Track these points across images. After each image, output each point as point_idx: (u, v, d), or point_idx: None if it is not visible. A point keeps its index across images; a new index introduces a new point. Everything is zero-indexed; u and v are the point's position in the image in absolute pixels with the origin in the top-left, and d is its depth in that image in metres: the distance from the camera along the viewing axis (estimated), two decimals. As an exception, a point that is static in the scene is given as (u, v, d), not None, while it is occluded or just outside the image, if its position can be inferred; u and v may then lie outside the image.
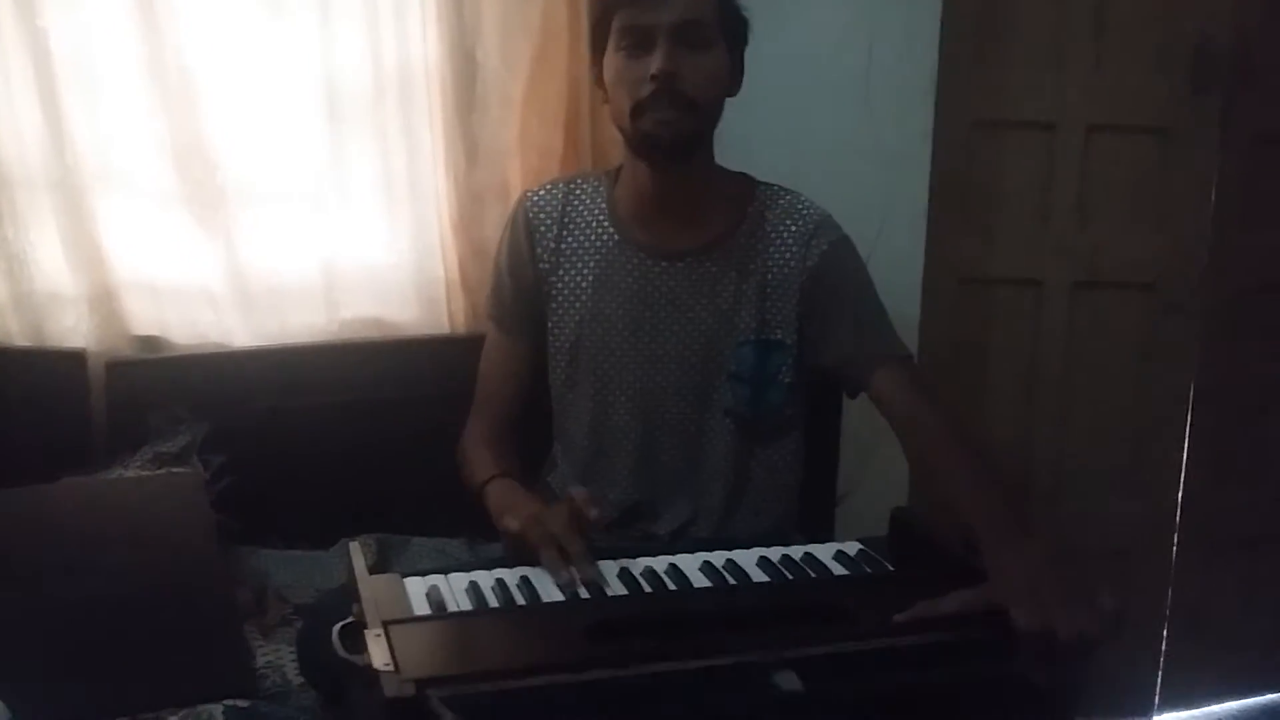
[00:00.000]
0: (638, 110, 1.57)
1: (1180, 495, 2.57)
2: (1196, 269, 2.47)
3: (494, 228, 2.12)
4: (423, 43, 2.03)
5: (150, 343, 2.05)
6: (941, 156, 2.32)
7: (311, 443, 2.00)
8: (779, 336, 1.68)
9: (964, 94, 2.35)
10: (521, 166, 2.10)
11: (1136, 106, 2.42)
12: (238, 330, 2.05)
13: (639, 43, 1.56)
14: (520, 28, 2.04)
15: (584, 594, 1.31)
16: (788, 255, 1.67)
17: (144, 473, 1.84)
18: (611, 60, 1.60)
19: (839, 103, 2.23)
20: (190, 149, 1.96)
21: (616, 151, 2.09)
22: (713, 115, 1.63)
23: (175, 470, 1.85)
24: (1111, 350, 2.52)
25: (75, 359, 1.95)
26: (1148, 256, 2.48)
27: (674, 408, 1.70)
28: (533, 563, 1.39)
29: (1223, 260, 2.47)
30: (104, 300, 1.99)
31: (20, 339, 1.96)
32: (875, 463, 2.28)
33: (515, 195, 2.10)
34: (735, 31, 1.63)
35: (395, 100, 2.05)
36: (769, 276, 1.67)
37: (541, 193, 1.77)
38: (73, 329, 1.98)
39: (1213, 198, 2.44)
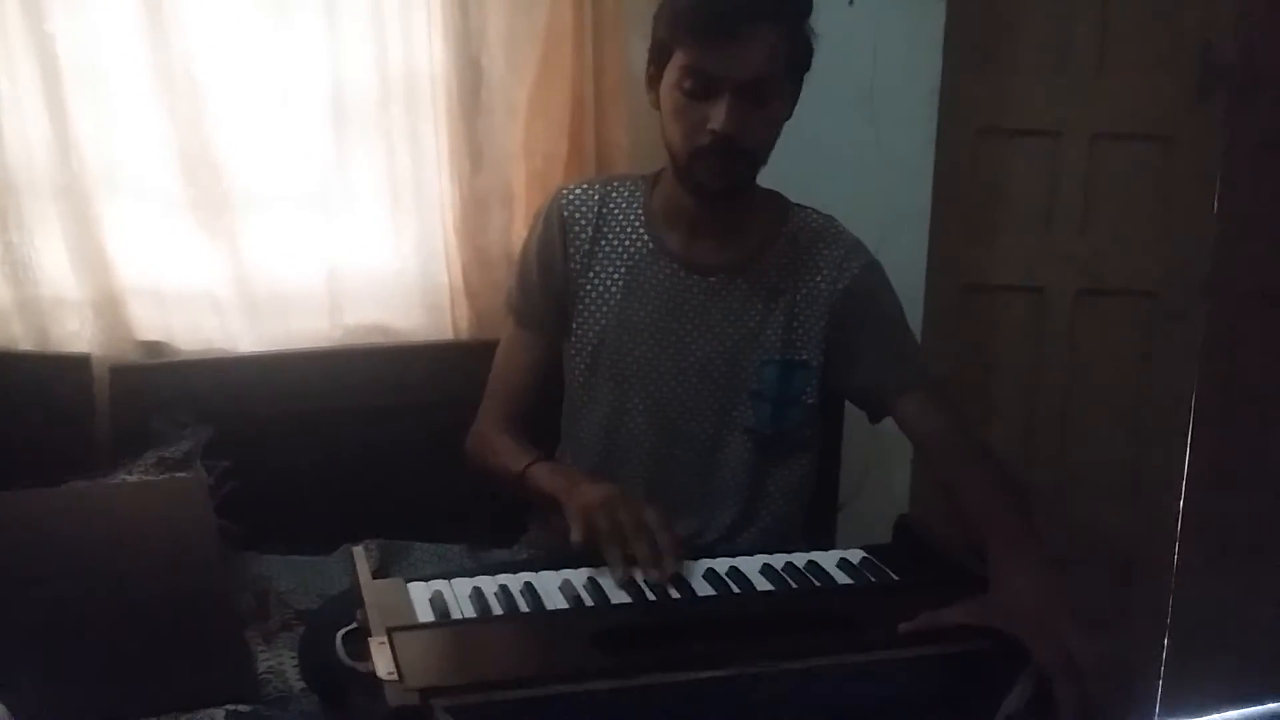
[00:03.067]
0: (694, 155, 1.54)
1: (1182, 503, 2.57)
2: (1199, 277, 2.47)
3: (498, 233, 2.13)
4: (428, 49, 2.03)
5: (154, 348, 2.05)
6: (945, 163, 2.33)
7: (314, 448, 2.01)
8: (804, 357, 1.67)
9: (968, 101, 2.35)
10: (526, 172, 2.10)
11: (1140, 114, 2.42)
12: (242, 336, 2.06)
13: (702, 89, 1.50)
14: (525, 34, 2.04)
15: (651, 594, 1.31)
16: (819, 278, 1.66)
17: (147, 477, 1.84)
18: (670, 92, 1.54)
19: (843, 110, 2.23)
20: (195, 154, 1.97)
21: (621, 157, 2.10)
22: (767, 154, 1.61)
23: (178, 475, 1.86)
24: (1114, 358, 2.53)
25: (79, 364, 1.95)
26: (1151, 264, 2.48)
27: (692, 421, 1.68)
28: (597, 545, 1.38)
29: (1226, 268, 2.47)
30: (108, 305, 1.99)
31: (25, 343, 1.96)
32: (876, 470, 2.28)
33: (520, 200, 2.11)
34: (802, 64, 1.58)
35: (400, 106, 2.05)
36: (798, 297, 1.66)
37: (578, 191, 1.73)
38: (77, 334, 1.98)
39: (1216, 205, 2.44)
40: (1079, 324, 2.50)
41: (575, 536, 1.40)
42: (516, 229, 2.13)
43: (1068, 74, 2.40)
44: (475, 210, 2.11)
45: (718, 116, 1.49)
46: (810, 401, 1.68)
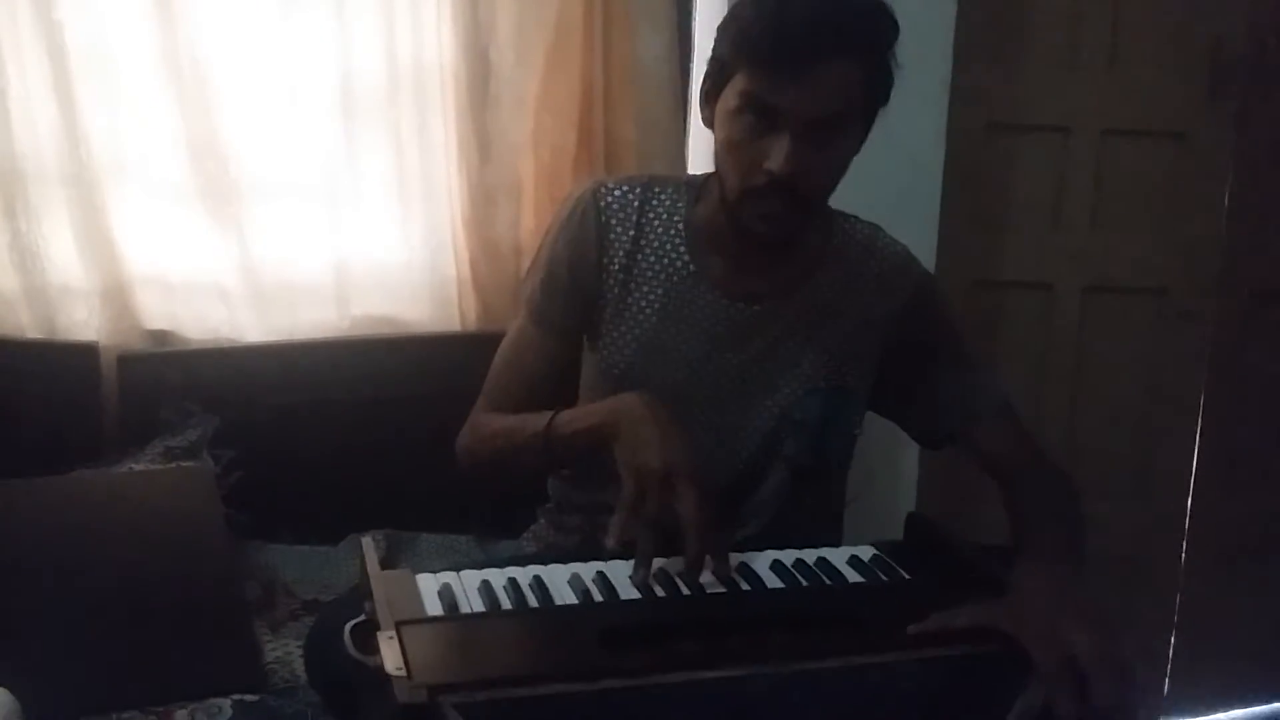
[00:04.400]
0: (746, 194, 1.39)
1: (1189, 502, 2.57)
2: (1209, 274, 2.46)
3: (506, 225, 2.13)
4: (437, 40, 2.03)
5: (162, 337, 2.06)
6: (955, 159, 2.31)
7: (321, 439, 2.01)
8: (851, 385, 1.55)
9: (978, 96, 2.34)
10: (534, 164, 2.10)
11: (1151, 110, 2.41)
12: (249, 325, 2.06)
13: (763, 122, 1.34)
14: (534, 25, 2.04)
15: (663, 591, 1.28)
16: (870, 299, 1.55)
17: (154, 466, 1.85)
18: (727, 119, 1.39)
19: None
20: (204, 144, 1.97)
21: (629, 151, 2.10)
22: (828, 196, 1.48)
23: (185, 464, 1.86)
24: (1122, 355, 2.52)
25: (87, 352, 1.95)
26: (1160, 261, 2.47)
27: (730, 450, 1.55)
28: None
29: (1235, 266, 2.46)
30: (116, 294, 1.99)
31: (32, 332, 1.96)
32: (884, 466, 2.27)
33: (527, 193, 2.10)
34: (879, 99, 1.42)
35: (409, 97, 2.05)
36: (847, 320, 1.54)
37: (618, 194, 1.55)
38: (85, 322, 1.98)
39: (1226, 203, 2.44)
40: (1088, 320, 2.49)
41: (626, 493, 1.30)
42: (524, 221, 2.12)
43: (1078, 69, 2.39)
44: (483, 202, 2.10)
45: (777, 156, 1.34)
46: (856, 432, 1.58)
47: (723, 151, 1.41)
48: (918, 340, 1.56)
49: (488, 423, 1.58)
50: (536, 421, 1.46)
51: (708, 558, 1.29)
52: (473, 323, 2.15)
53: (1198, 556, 2.59)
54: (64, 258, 1.96)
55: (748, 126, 1.36)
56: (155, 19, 1.90)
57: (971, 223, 2.41)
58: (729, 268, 1.53)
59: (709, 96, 1.44)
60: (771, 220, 1.40)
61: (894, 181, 2.24)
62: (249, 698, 1.57)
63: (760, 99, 1.34)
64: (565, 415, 1.45)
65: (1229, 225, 2.44)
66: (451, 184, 2.09)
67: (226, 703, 1.55)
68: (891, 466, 2.31)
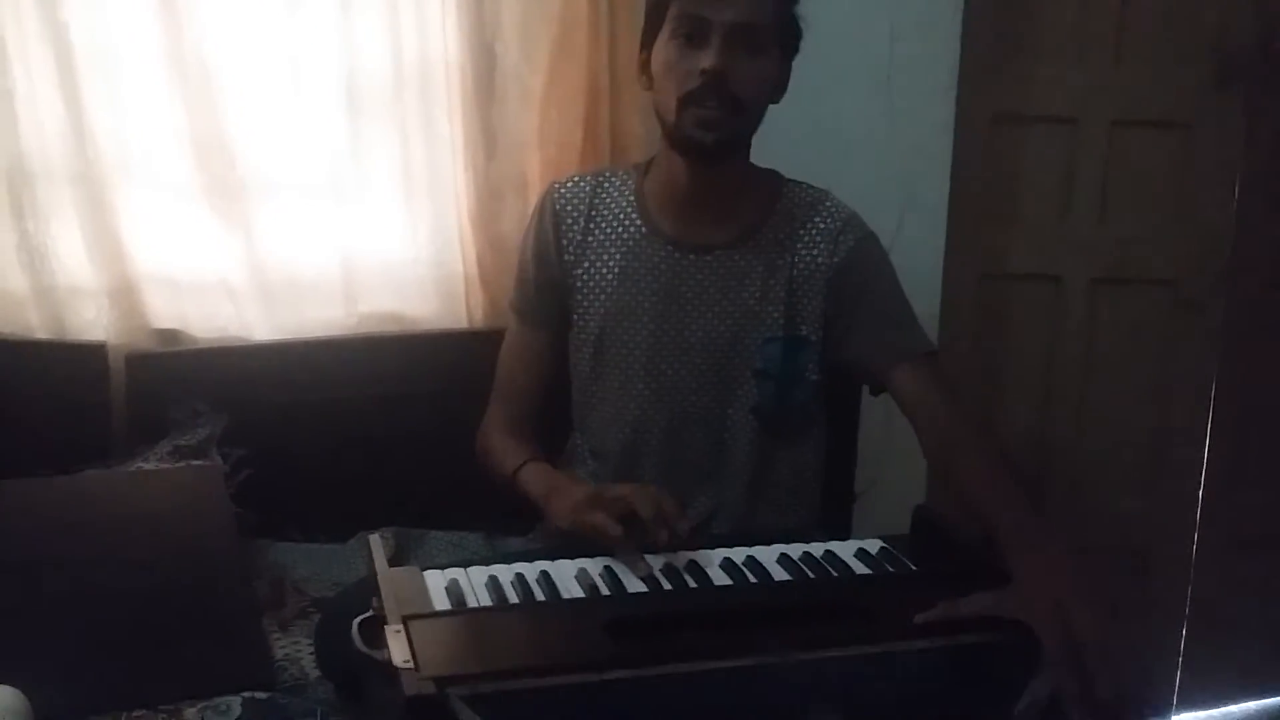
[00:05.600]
0: (684, 102, 1.56)
1: (1200, 493, 2.56)
2: (1218, 266, 2.45)
3: (513, 221, 2.12)
4: (442, 36, 2.02)
5: (170, 336, 2.05)
6: (963, 151, 2.31)
7: (330, 436, 2.01)
8: (805, 333, 1.68)
9: (985, 88, 2.34)
10: (540, 160, 2.09)
11: (1159, 101, 2.41)
12: (257, 324, 2.05)
13: (694, 34, 1.55)
14: (540, 20, 2.03)
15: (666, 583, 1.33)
16: (815, 251, 1.68)
17: (163, 465, 1.85)
18: (664, 47, 1.58)
19: (860, 97, 2.22)
20: (210, 142, 1.96)
21: (636, 145, 2.09)
22: (755, 118, 1.63)
23: (194, 463, 1.86)
24: (1131, 347, 2.51)
25: (95, 352, 1.95)
26: (1169, 253, 2.47)
27: (699, 402, 1.70)
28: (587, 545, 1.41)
29: (1245, 257, 2.45)
30: (124, 293, 1.99)
31: (41, 331, 1.96)
32: (892, 460, 2.26)
33: (534, 189, 2.10)
34: (788, 40, 1.62)
35: (414, 93, 2.04)
36: (795, 272, 1.67)
37: (570, 184, 1.76)
38: (93, 322, 1.98)
39: (1235, 194, 2.43)
40: (1096, 313, 2.49)
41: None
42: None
43: (1086, 60, 2.38)
44: (489, 198, 2.10)
45: (708, 56, 1.52)
46: (814, 378, 1.69)
47: (663, 76, 1.59)
48: (856, 290, 1.67)
49: (486, 438, 1.77)
50: (508, 465, 1.69)
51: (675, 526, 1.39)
52: (480, 319, 2.14)
53: (1209, 548, 2.58)
54: (72, 257, 1.95)
55: (682, 44, 1.56)
56: (160, 17, 1.90)
57: (980, 215, 2.41)
58: (679, 222, 1.69)
59: (644, 65, 1.63)
60: (710, 125, 1.56)
61: (903, 174, 2.25)
62: (259, 695, 1.56)
63: (690, 14, 1.54)
64: (525, 474, 1.67)
65: (1238, 215, 2.43)
66: (458, 180, 2.08)
67: (236, 700, 1.54)
68: (901, 460, 2.30)
